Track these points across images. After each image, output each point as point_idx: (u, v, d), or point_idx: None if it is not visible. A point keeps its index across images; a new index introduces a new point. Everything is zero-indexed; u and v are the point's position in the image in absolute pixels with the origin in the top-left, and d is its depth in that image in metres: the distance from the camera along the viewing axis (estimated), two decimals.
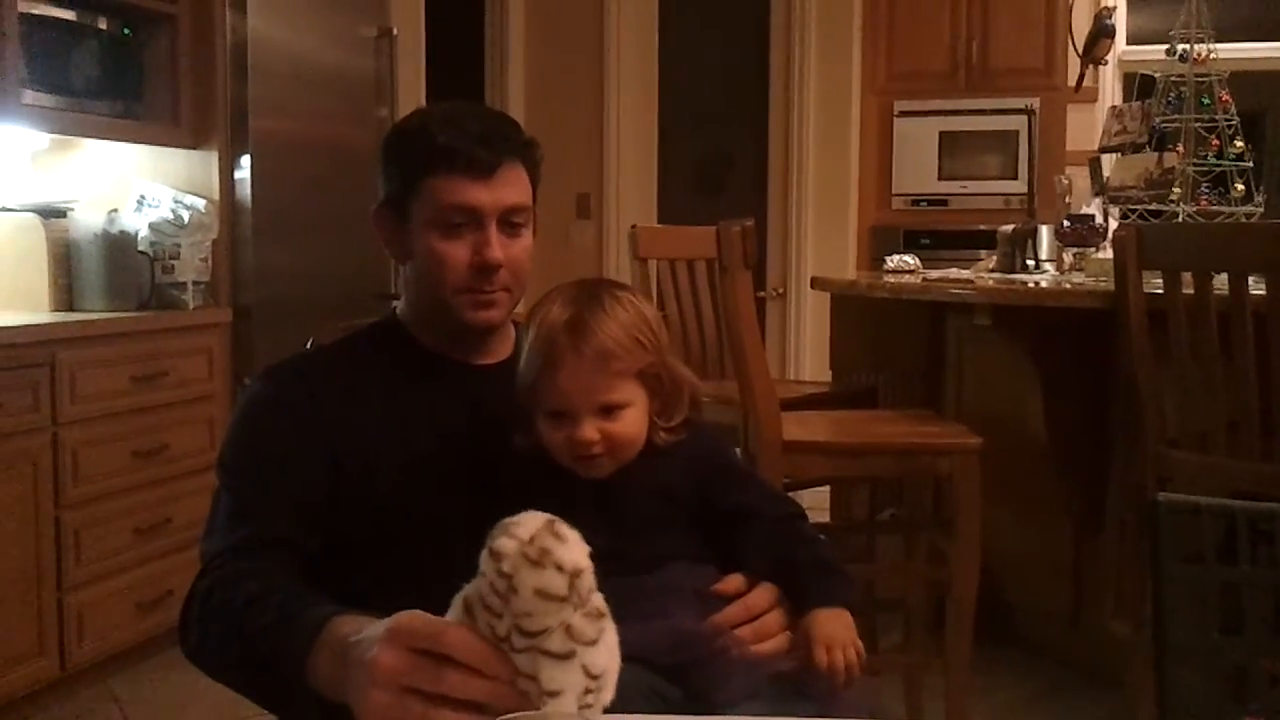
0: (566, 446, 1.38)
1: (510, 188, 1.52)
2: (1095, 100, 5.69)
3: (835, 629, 1.37)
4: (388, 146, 1.58)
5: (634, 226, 3.38)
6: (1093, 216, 3.73)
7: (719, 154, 6.04)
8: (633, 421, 1.40)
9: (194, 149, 3.83)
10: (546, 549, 0.95)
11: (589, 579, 0.97)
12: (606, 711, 0.99)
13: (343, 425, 1.48)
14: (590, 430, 1.36)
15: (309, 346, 1.74)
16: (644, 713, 1.15)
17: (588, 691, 0.96)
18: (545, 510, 1.00)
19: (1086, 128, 5.35)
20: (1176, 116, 3.65)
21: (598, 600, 0.98)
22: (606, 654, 0.98)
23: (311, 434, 1.47)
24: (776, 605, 1.40)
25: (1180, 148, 3.60)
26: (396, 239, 1.57)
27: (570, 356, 1.36)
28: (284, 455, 1.46)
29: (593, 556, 0.99)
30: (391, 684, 1.00)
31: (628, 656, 1.01)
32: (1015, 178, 5.54)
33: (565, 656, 0.95)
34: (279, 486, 1.45)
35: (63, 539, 3.17)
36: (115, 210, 3.73)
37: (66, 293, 3.68)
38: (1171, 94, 3.67)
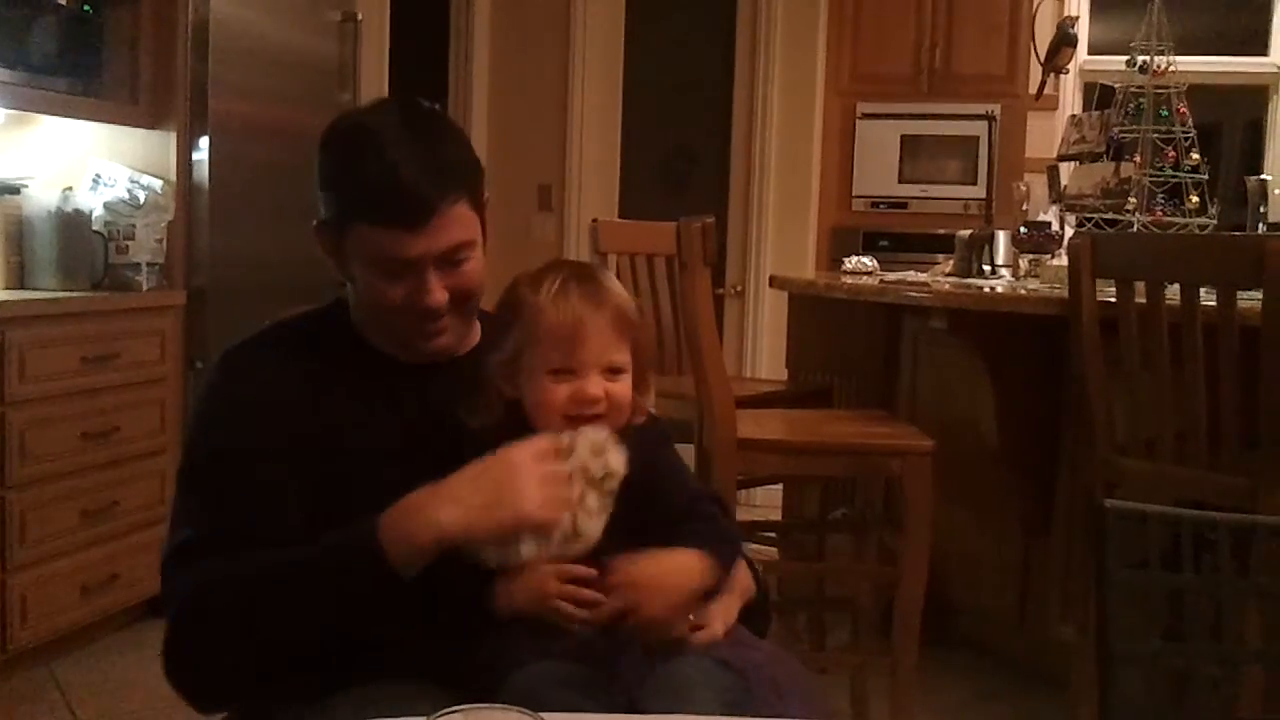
0: (569, 404, 1.40)
1: (448, 230, 1.43)
2: (1055, 108, 5.73)
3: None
4: (321, 162, 1.50)
5: (595, 220, 3.38)
6: (1049, 224, 3.76)
7: (682, 149, 6.04)
8: (627, 387, 1.44)
9: (152, 129, 3.79)
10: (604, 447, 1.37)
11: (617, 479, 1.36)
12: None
13: (301, 417, 1.45)
14: (597, 386, 1.40)
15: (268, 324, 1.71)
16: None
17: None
18: None
19: (1046, 135, 5.39)
20: (1134, 127, 3.68)
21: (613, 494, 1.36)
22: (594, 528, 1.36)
23: (271, 427, 1.44)
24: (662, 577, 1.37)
25: (1137, 158, 3.64)
26: (336, 259, 1.52)
27: (588, 313, 1.40)
28: (248, 453, 1.44)
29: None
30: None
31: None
32: (975, 183, 5.58)
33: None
34: (245, 484, 1.43)
35: (7, 520, 3.13)
36: (70, 188, 3.68)
37: (18, 271, 3.63)
38: (1130, 105, 3.71)
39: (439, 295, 1.45)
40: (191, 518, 1.44)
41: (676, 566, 1.37)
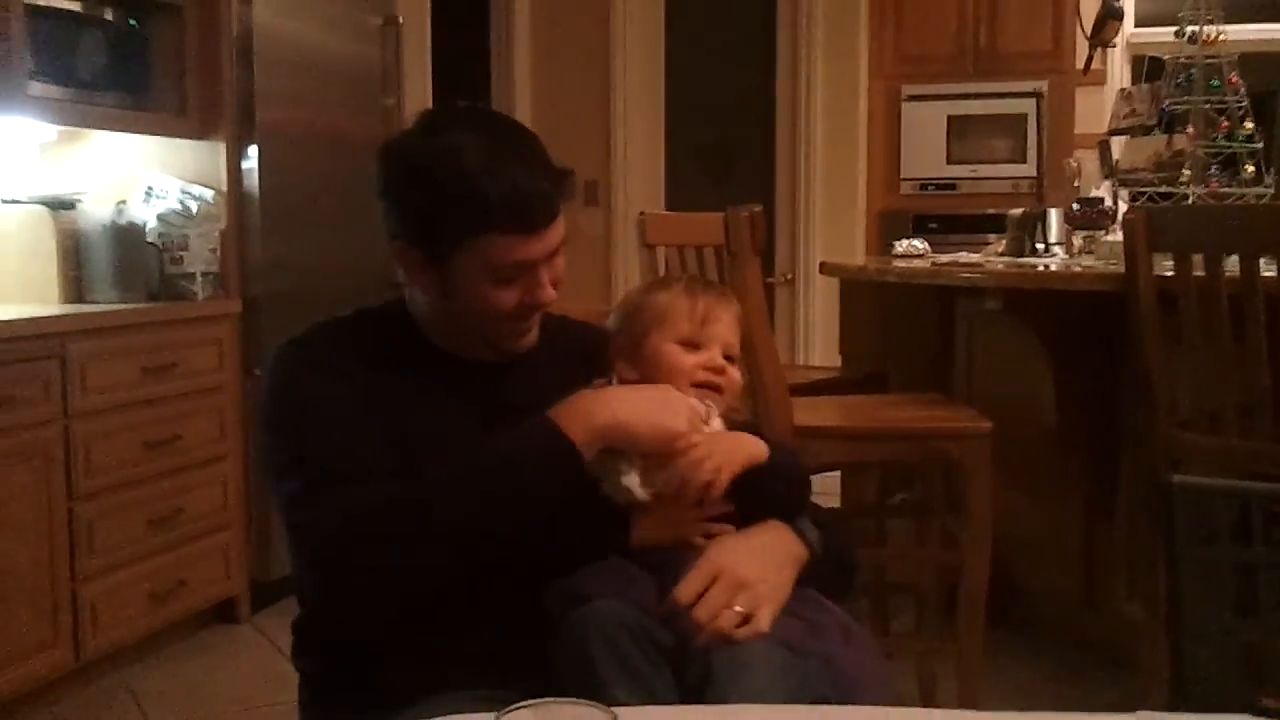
0: (697, 369, 1.54)
1: (558, 230, 1.51)
2: (1104, 83, 5.67)
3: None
4: (409, 186, 1.49)
5: (642, 213, 3.37)
6: (1102, 200, 3.71)
7: (726, 140, 6.03)
8: (740, 376, 1.60)
9: (201, 140, 3.83)
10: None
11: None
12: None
13: (370, 391, 1.48)
14: (720, 358, 1.56)
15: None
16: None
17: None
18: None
19: (1095, 111, 5.33)
20: (1186, 98, 3.63)
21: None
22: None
23: (346, 391, 1.47)
24: (719, 574, 1.38)
25: (1190, 130, 3.58)
26: (425, 276, 1.51)
27: (722, 303, 1.60)
28: (329, 402, 1.46)
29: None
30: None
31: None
32: (1024, 161, 5.53)
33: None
34: (344, 427, 1.45)
35: (76, 530, 3.18)
36: (123, 202, 3.73)
37: (75, 285, 3.68)
38: (1180, 76, 3.65)
39: (550, 291, 1.52)
40: (303, 464, 1.44)
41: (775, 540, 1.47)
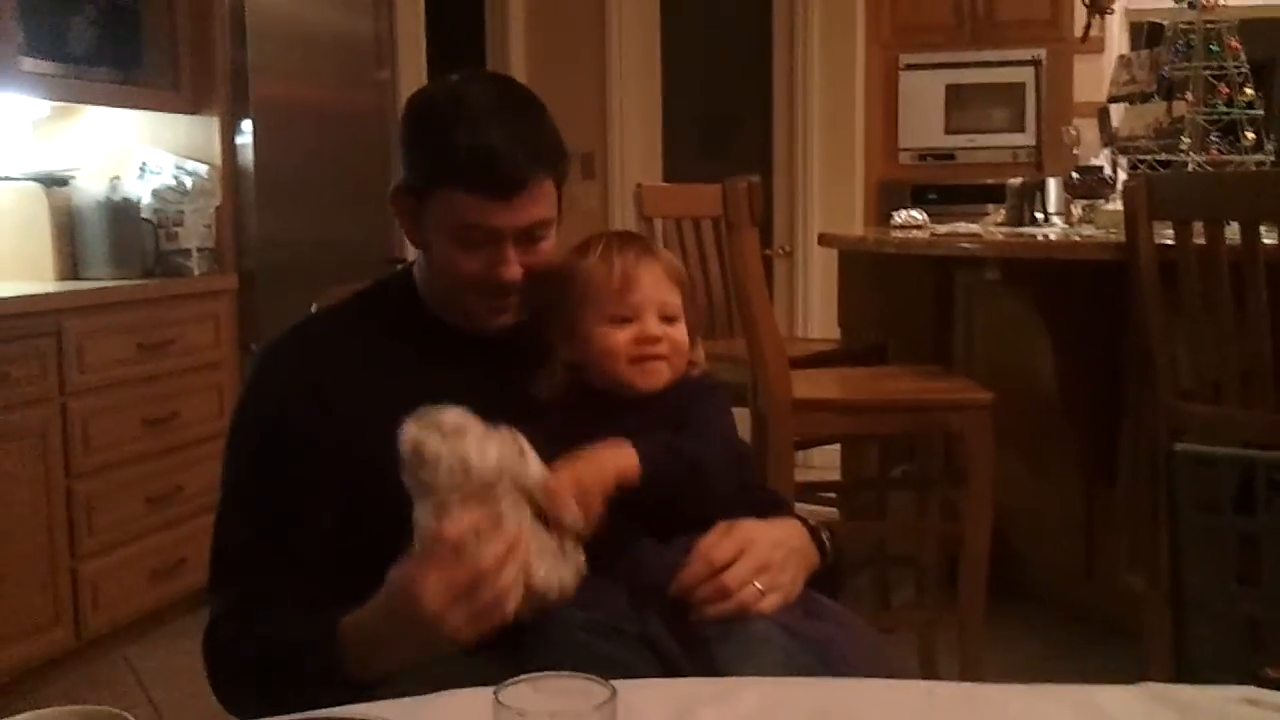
0: (632, 345, 1.44)
1: (533, 206, 1.45)
2: (1102, 50, 5.62)
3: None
4: (410, 124, 1.50)
5: (639, 185, 3.36)
6: (1101, 168, 3.70)
7: (723, 111, 6.00)
8: (684, 334, 1.48)
9: (195, 114, 3.81)
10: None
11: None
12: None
13: (350, 406, 1.45)
14: (656, 326, 1.45)
15: (313, 310, 1.72)
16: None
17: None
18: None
19: (1094, 78, 5.29)
20: (1186, 65, 3.60)
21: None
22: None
23: (317, 424, 1.45)
24: (751, 546, 1.36)
25: (1190, 96, 3.56)
26: (413, 227, 1.52)
27: (637, 262, 1.47)
28: (280, 456, 1.46)
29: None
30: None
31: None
32: (1023, 130, 5.50)
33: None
34: (278, 488, 1.45)
35: (75, 509, 3.17)
36: (117, 177, 3.71)
37: (70, 261, 3.67)
38: (1180, 42, 3.63)
39: (515, 269, 1.46)
40: (229, 524, 1.48)
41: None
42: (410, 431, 1.22)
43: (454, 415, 1.24)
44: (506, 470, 1.24)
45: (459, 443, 1.21)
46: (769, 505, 1.53)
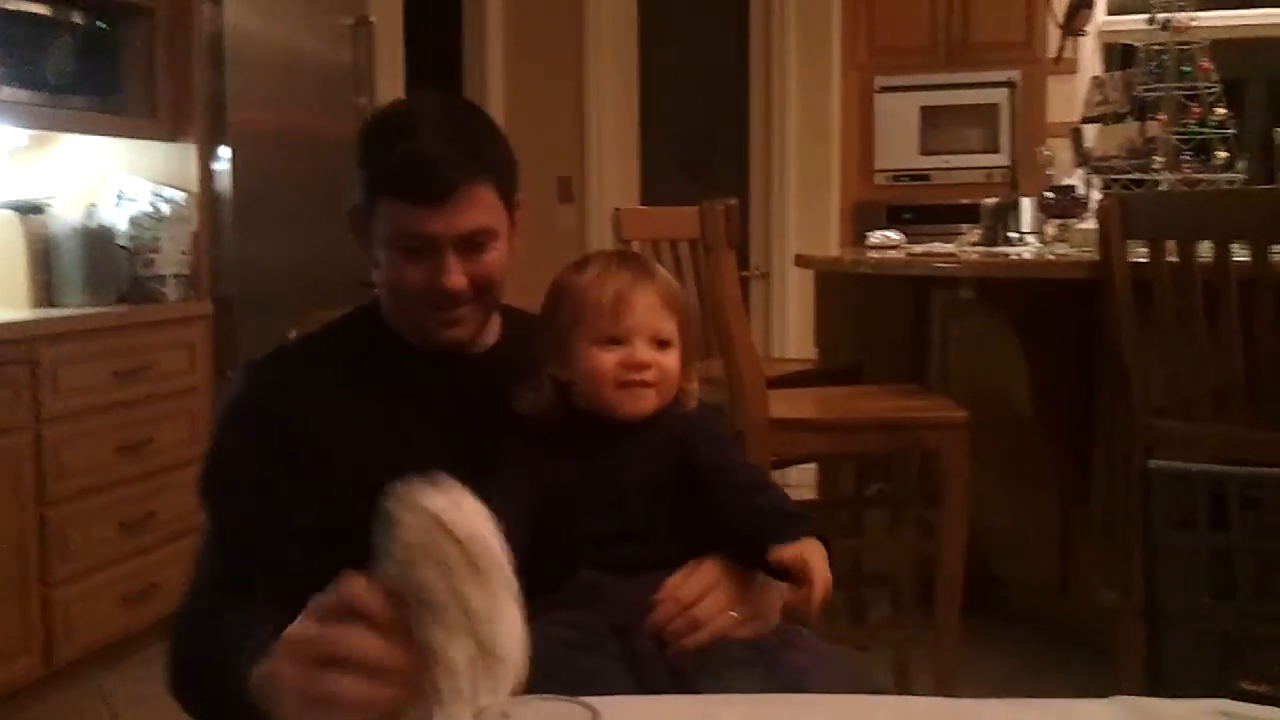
0: (619, 369, 1.41)
1: (469, 212, 1.42)
2: (1075, 72, 5.67)
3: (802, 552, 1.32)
4: (359, 142, 1.50)
5: (617, 209, 3.36)
6: (1075, 188, 3.72)
7: (700, 135, 6.02)
8: (675, 362, 1.45)
9: (172, 141, 3.80)
10: (443, 518, 0.95)
11: (484, 547, 0.96)
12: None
13: (327, 431, 1.45)
14: (646, 353, 1.41)
15: (291, 337, 1.71)
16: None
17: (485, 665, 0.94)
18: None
19: (1067, 99, 5.33)
20: (1158, 85, 3.64)
21: (499, 575, 0.97)
22: (507, 634, 0.96)
23: (294, 447, 1.44)
24: (718, 583, 1.35)
25: (1162, 116, 3.60)
26: (366, 245, 1.51)
27: (633, 284, 1.43)
28: (265, 482, 1.45)
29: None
30: (296, 654, 1.04)
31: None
32: (997, 151, 5.53)
33: (457, 626, 0.94)
34: (261, 515, 1.45)
35: (48, 536, 3.15)
36: (94, 205, 3.70)
37: (45, 289, 3.65)
38: (1153, 63, 3.67)
39: (457, 279, 1.44)
40: (202, 557, 1.50)
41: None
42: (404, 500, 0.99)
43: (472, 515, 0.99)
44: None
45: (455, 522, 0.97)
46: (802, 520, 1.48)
